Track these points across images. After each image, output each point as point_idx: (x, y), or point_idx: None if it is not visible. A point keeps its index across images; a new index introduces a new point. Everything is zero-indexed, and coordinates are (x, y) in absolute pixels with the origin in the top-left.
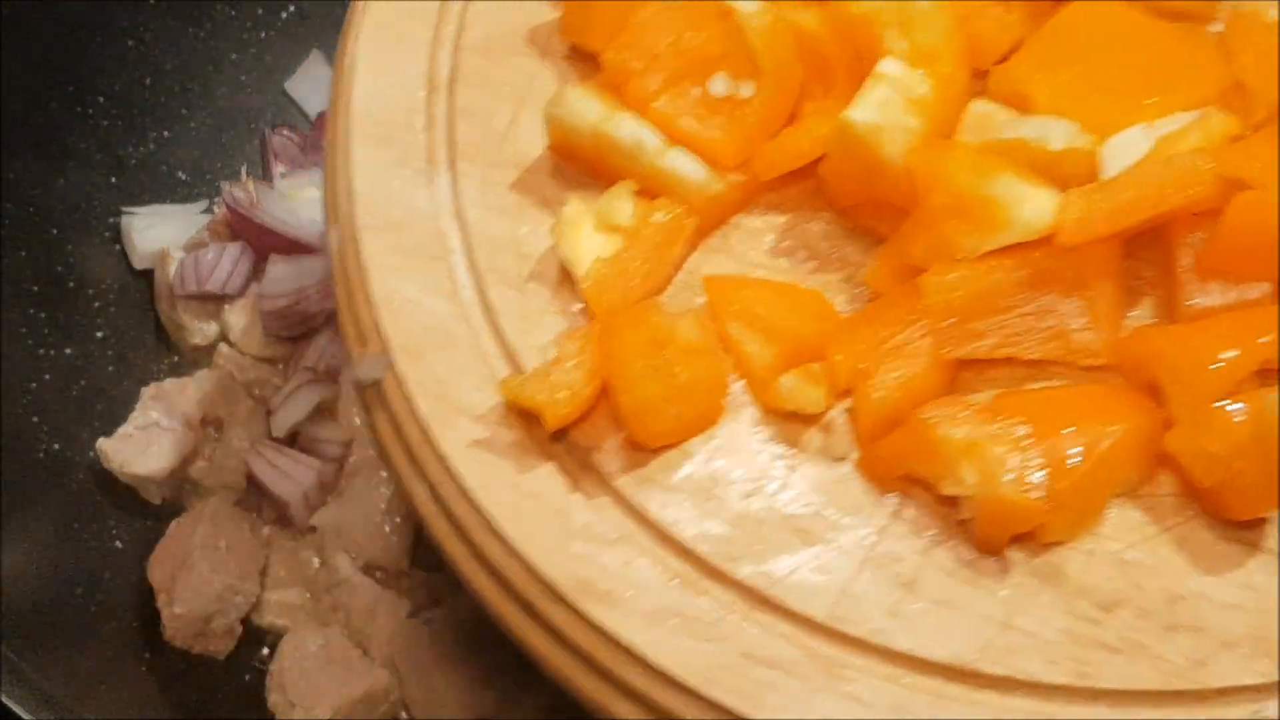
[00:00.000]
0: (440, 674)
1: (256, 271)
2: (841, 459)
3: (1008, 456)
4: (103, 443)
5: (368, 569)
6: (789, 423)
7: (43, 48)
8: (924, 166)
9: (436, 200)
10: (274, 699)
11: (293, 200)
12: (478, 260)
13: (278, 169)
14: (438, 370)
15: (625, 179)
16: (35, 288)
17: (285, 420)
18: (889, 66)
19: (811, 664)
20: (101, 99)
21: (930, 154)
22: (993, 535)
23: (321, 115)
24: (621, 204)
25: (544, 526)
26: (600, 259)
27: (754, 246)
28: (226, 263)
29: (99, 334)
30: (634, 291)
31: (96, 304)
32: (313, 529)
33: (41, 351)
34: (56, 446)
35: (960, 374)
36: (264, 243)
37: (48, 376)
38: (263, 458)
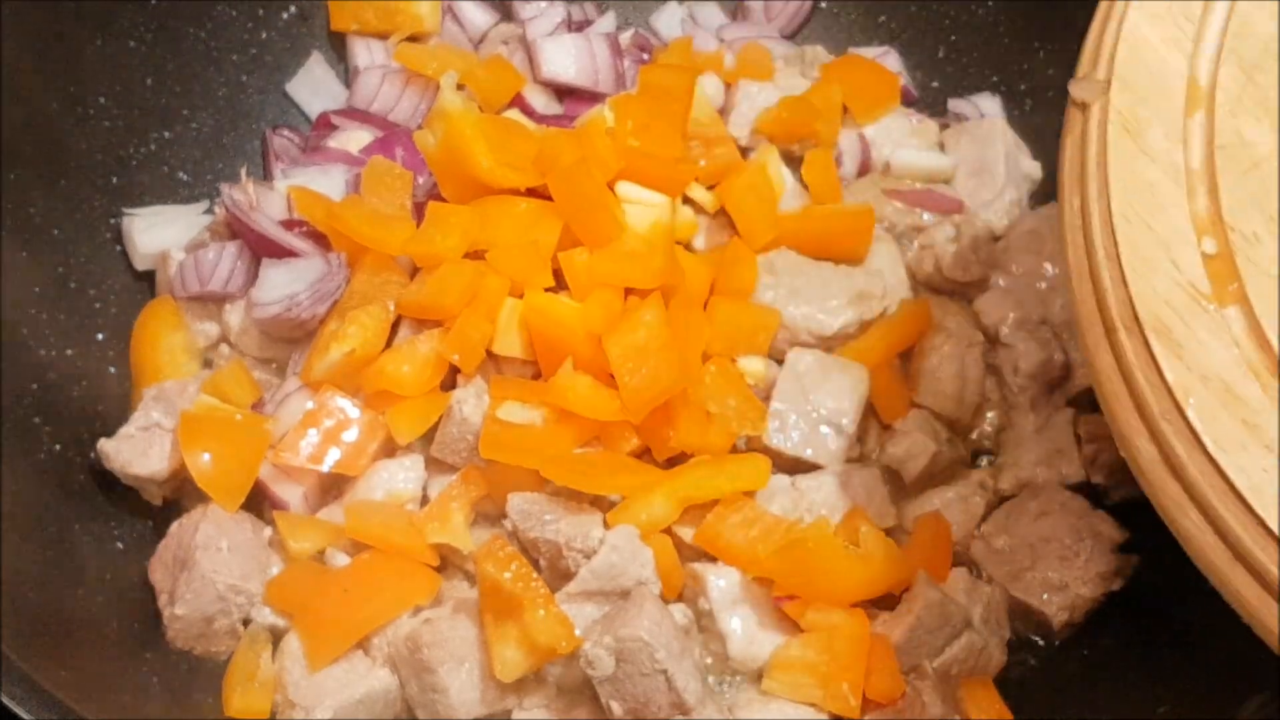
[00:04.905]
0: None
1: (257, 272)
2: None
3: None
4: (104, 443)
5: None
6: None
7: (43, 48)
8: None
9: None
10: (274, 699)
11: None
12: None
13: (278, 169)
14: (1139, 110)
15: None
16: (36, 288)
17: (279, 426)
18: None
19: None
20: (101, 99)
21: None
22: None
23: (322, 115)
24: None
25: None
26: None
27: None
28: (226, 263)
29: (100, 335)
30: None
31: (97, 305)
32: None
33: (43, 353)
34: (57, 447)
35: None
36: (261, 246)
37: (48, 377)
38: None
